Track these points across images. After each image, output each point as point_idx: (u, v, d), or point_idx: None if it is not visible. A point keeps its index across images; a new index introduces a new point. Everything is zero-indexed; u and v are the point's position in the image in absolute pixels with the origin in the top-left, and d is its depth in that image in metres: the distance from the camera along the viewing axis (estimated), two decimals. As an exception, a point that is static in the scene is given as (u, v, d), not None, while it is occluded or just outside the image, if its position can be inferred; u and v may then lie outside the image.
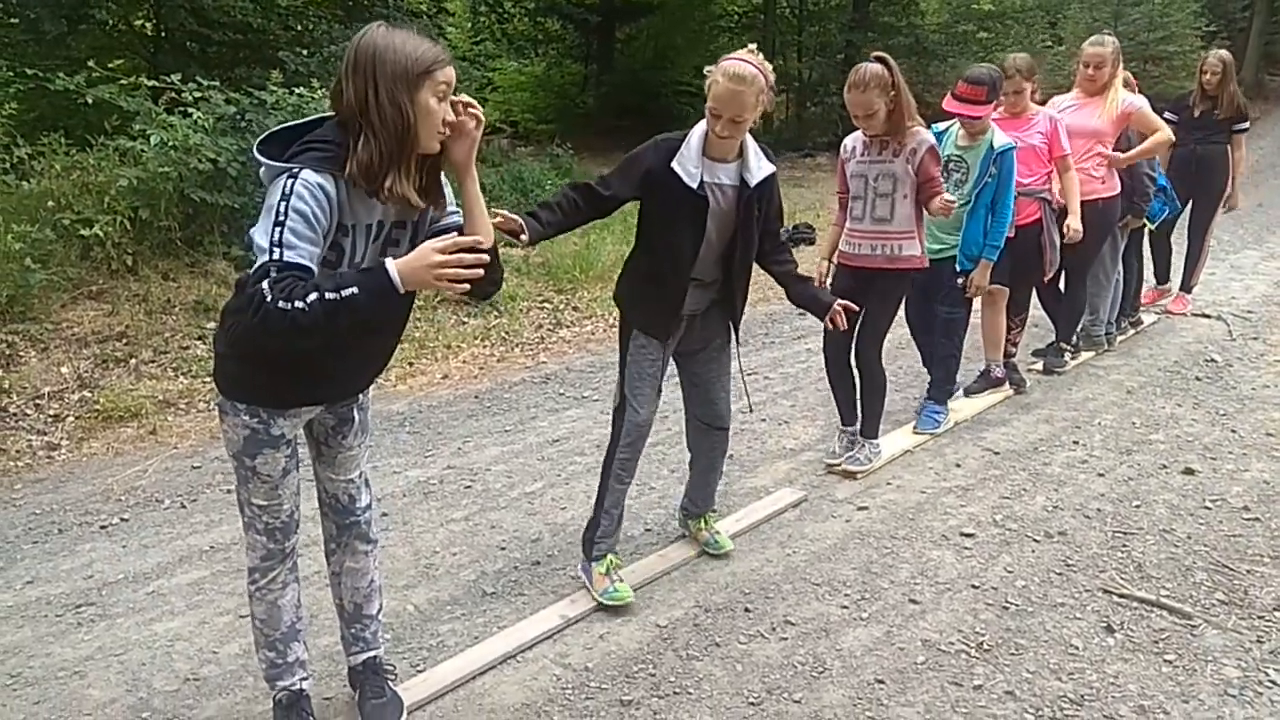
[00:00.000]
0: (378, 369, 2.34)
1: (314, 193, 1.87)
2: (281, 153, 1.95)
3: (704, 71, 2.79)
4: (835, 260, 4.04)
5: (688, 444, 3.42)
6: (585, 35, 18.26)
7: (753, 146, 2.89)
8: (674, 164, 2.78)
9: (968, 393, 4.96)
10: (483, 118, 2.09)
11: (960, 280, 4.38)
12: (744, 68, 2.70)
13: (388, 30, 1.96)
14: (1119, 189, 5.17)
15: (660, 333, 3.01)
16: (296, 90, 6.83)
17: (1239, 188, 6.51)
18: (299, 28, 9.94)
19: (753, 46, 2.82)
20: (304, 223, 1.86)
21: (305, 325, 1.78)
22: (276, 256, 1.83)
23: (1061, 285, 5.41)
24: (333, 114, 2.02)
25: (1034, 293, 5.28)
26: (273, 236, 1.84)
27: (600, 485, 3.13)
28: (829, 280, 4.04)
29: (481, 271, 1.91)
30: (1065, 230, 4.68)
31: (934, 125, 4.36)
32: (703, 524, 3.43)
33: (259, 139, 2.02)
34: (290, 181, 1.88)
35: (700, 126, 2.83)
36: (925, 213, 3.81)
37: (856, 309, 3.14)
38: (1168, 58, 16.81)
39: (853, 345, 4.00)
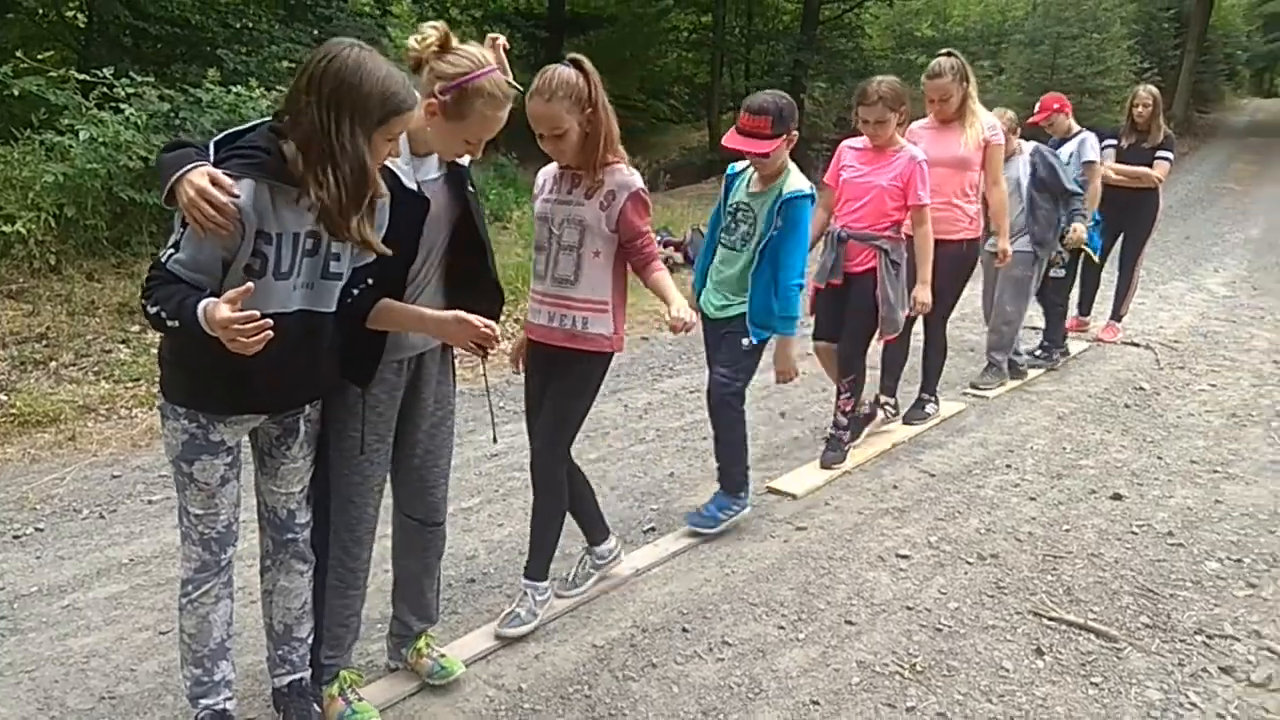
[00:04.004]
0: (318, 382, 2.26)
1: None
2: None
3: (436, 93, 2.18)
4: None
5: (392, 545, 2.68)
6: (533, 46, 18.25)
7: None
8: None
9: (825, 464, 4.31)
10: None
11: (746, 342, 3.53)
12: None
13: (358, 57, 1.92)
14: (982, 230, 4.82)
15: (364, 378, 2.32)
16: (234, 89, 6.70)
17: (1127, 179, 6.36)
18: (238, 25, 9.75)
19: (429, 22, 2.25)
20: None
21: (154, 327, 1.95)
22: (164, 257, 1.93)
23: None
24: (271, 119, 2.00)
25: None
26: (174, 236, 1.94)
27: (315, 599, 2.45)
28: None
29: (261, 345, 1.83)
30: (912, 302, 4.21)
31: (731, 165, 3.79)
32: (422, 647, 2.70)
33: (214, 140, 2.01)
34: None
35: None
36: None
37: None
38: (1104, 91, 17.43)
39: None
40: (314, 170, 1.92)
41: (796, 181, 3.48)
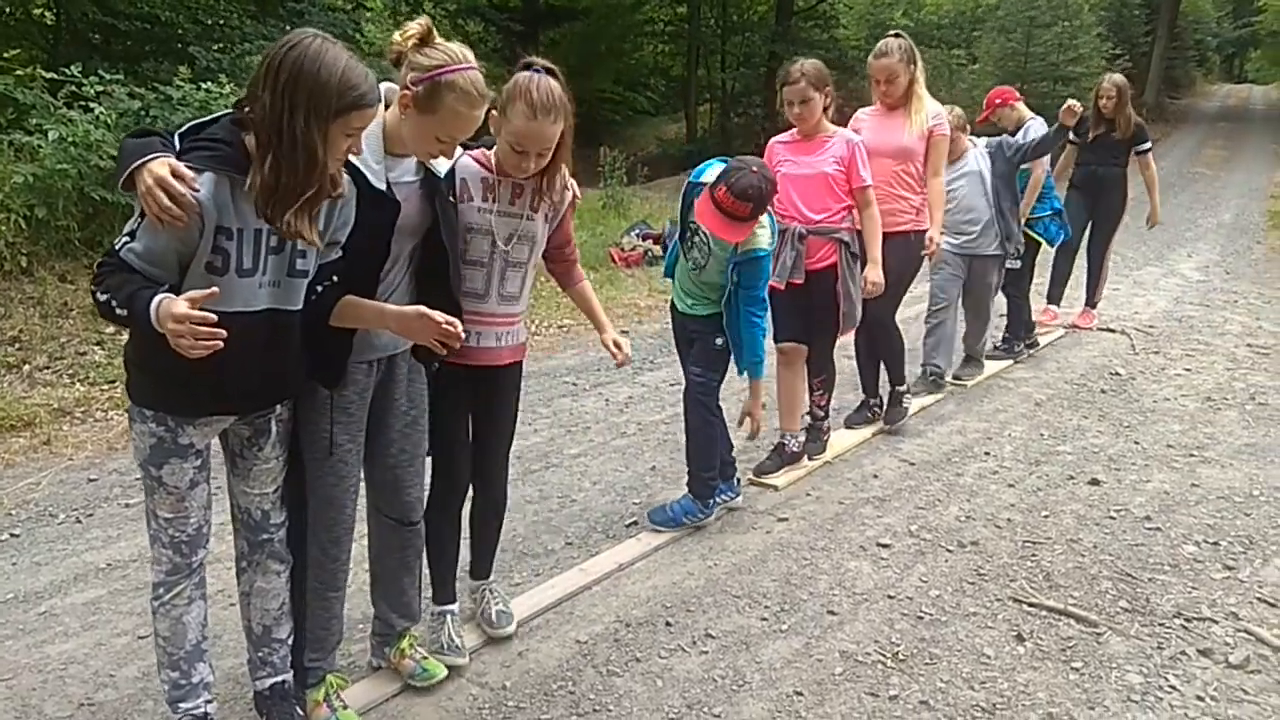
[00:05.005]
0: (287, 382, 2.23)
1: None
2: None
3: (409, 84, 2.14)
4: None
5: (369, 544, 2.68)
6: (507, 39, 18.18)
7: None
8: (352, 157, 2.10)
9: (759, 472, 4.14)
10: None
11: (720, 341, 3.52)
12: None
13: (319, 47, 1.89)
14: (929, 222, 4.50)
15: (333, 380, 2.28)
16: (204, 85, 6.62)
17: (1158, 204, 6.81)
18: (210, 22, 9.65)
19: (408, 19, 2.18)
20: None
21: (101, 315, 1.92)
22: (118, 244, 1.91)
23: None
24: (233, 110, 1.98)
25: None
26: (130, 224, 1.92)
27: (296, 602, 2.43)
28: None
29: (207, 351, 1.79)
30: (864, 284, 4.04)
31: (697, 170, 3.48)
32: (405, 648, 2.68)
33: (179, 131, 1.98)
34: None
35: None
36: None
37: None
38: (1076, 79, 17.55)
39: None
40: (261, 155, 1.90)
41: (757, 239, 3.33)
